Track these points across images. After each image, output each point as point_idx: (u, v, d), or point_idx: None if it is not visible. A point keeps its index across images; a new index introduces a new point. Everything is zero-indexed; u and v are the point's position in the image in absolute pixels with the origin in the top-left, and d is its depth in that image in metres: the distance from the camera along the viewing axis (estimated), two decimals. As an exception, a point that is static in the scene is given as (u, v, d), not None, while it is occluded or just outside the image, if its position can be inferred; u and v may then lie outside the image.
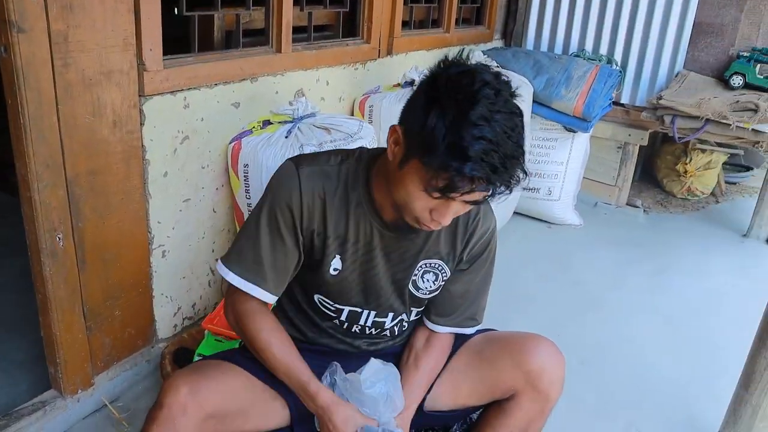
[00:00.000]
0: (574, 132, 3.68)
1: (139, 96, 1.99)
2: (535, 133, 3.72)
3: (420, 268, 1.57)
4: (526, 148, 1.30)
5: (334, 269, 1.53)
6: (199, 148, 2.26)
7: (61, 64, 1.74)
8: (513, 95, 1.27)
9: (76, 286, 1.97)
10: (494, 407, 1.65)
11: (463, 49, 1.38)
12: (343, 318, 1.61)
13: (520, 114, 1.27)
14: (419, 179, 1.27)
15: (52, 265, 1.87)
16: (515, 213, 3.81)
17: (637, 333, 2.85)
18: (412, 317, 1.68)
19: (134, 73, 1.95)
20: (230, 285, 1.51)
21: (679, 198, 4.51)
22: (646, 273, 3.42)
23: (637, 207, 4.25)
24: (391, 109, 2.85)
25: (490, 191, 1.25)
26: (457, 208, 1.31)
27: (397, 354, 1.70)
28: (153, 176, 2.11)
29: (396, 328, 1.67)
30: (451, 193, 1.24)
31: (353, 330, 1.63)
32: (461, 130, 1.19)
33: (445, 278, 1.61)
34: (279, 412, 1.55)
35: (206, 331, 2.07)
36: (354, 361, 1.61)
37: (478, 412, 1.76)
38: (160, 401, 1.38)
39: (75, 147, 1.84)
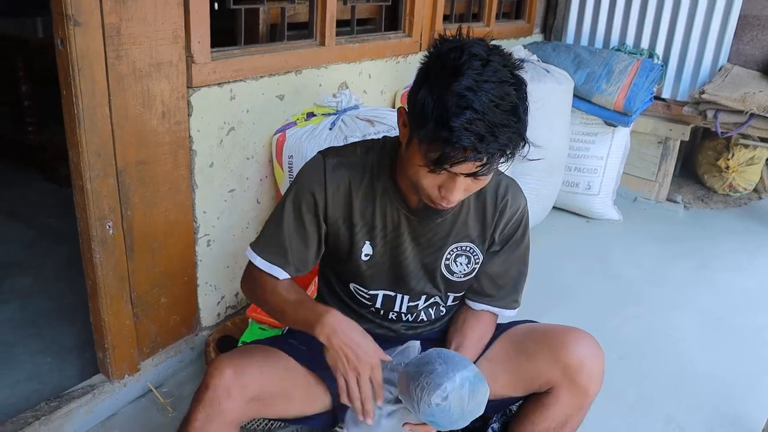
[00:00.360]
0: (614, 126, 3.65)
1: (188, 87, 2.03)
2: (575, 127, 3.69)
3: (452, 252, 1.59)
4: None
5: (366, 255, 1.56)
6: (244, 140, 2.30)
7: (114, 56, 1.78)
8: (508, 65, 1.27)
9: (125, 274, 2.02)
10: (533, 400, 1.66)
11: (460, 26, 1.39)
12: (378, 305, 1.64)
13: (515, 83, 1.26)
14: (420, 156, 1.29)
15: (102, 252, 1.92)
16: (554, 207, 3.78)
17: (679, 328, 2.82)
18: (450, 302, 1.69)
19: (183, 65, 1.99)
20: (253, 266, 1.56)
21: (721, 194, 4.44)
22: (687, 269, 3.38)
23: (677, 203, 4.19)
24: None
25: (485, 160, 1.25)
26: (465, 184, 1.32)
27: (436, 339, 1.71)
28: (199, 166, 2.15)
29: (432, 312, 1.68)
30: (444, 164, 1.25)
31: (390, 316, 1.66)
32: (447, 102, 1.21)
33: (477, 261, 1.62)
34: (321, 397, 1.58)
35: (250, 320, 2.11)
36: (395, 344, 1.63)
37: (517, 405, 1.76)
38: (205, 383, 1.42)
39: (125, 137, 1.89)
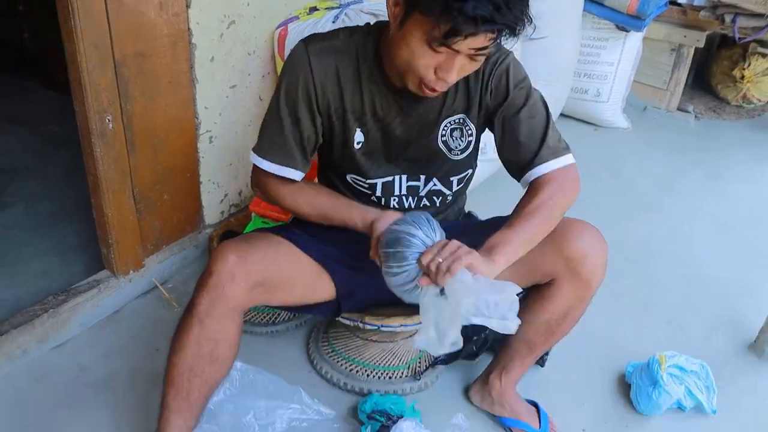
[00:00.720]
0: (626, 31, 3.54)
1: (185, -23, 1.96)
2: (586, 32, 3.58)
3: (446, 127, 1.56)
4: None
5: (358, 142, 1.54)
6: (245, 34, 2.24)
7: (105, -60, 1.72)
8: None
9: (126, 169, 2.00)
10: (534, 292, 1.65)
11: None
12: (378, 193, 1.61)
13: None
14: (421, 33, 1.25)
15: (102, 146, 1.90)
16: (562, 114, 3.72)
17: (688, 235, 2.81)
18: (455, 187, 1.66)
19: (178, -48, 1.92)
20: (259, 169, 1.54)
21: (734, 105, 4.34)
22: (698, 178, 3.34)
23: (689, 112, 4.10)
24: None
25: (495, 34, 1.21)
26: (462, 62, 1.29)
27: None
28: (200, 61, 2.11)
29: (437, 200, 1.66)
30: (455, 38, 1.21)
31: (392, 204, 1.63)
32: None
33: (470, 133, 1.58)
34: (325, 286, 1.59)
35: (253, 213, 2.10)
36: None
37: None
38: (209, 269, 1.42)
39: (122, 28, 1.83)
